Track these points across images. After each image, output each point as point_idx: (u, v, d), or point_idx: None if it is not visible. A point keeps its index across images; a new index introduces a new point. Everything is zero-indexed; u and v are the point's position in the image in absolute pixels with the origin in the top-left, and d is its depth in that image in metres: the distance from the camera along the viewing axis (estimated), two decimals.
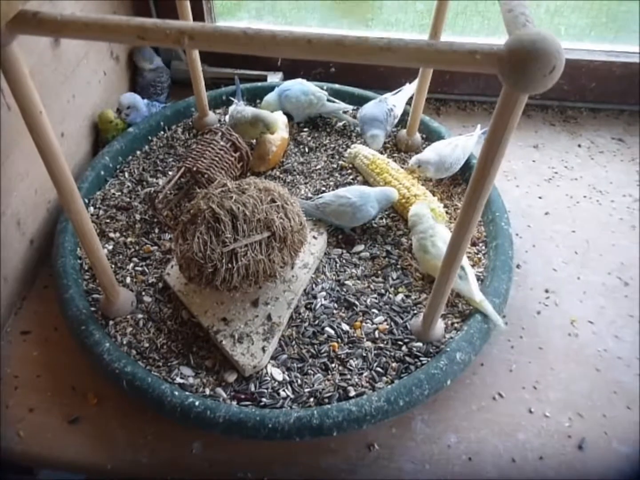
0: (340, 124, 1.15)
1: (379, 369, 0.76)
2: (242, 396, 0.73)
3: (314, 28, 1.27)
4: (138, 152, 1.07)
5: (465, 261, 0.83)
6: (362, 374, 0.76)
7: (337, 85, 1.17)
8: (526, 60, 0.42)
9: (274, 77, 1.23)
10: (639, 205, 1.06)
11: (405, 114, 1.09)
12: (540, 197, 1.08)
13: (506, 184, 1.09)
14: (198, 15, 1.17)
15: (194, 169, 0.92)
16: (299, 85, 1.11)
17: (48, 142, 0.58)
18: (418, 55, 0.44)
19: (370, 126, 1.04)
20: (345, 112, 1.14)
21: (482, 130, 1.03)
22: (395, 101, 1.07)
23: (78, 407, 0.76)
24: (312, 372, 0.76)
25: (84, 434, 0.74)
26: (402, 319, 0.81)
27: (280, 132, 1.04)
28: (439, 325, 0.79)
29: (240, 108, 1.04)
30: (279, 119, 1.05)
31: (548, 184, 1.11)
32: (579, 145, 1.20)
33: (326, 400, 0.72)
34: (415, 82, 1.02)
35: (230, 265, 0.73)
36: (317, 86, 1.13)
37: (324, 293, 0.84)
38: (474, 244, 0.92)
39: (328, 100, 1.12)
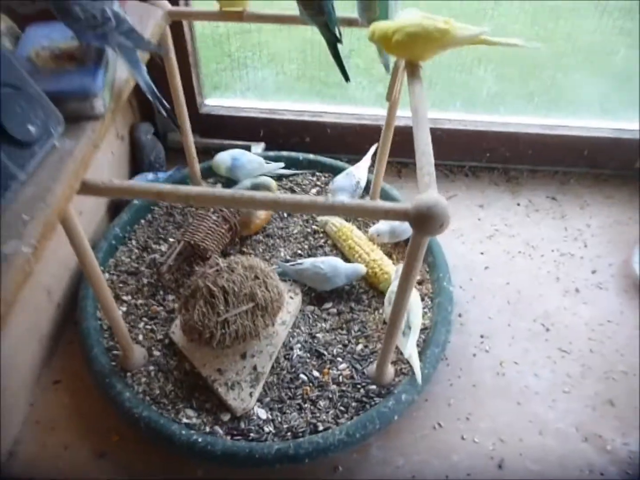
0: (314, 190, 1.35)
1: (341, 408, 0.96)
2: (235, 432, 0.93)
3: (296, 103, 1.47)
4: (142, 221, 1.26)
5: (417, 320, 1.01)
6: (328, 412, 0.95)
7: (311, 156, 1.38)
8: (424, 219, 0.63)
9: (257, 147, 1.42)
10: (563, 259, 1.27)
11: (369, 181, 1.29)
12: (482, 253, 1.28)
13: (454, 241, 1.30)
14: (188, 90, 1.34)
15: (192, 242, 1.12)
16: (245, 156, 1.31)
17: (80, 240, 0.75)
18: (352, 211, 0.65)
19: (338, 194, 1.24)
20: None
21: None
22: (360, 174, 1.27)
23: (105, 444, 0.95)
24: (289, 411, 0.96)
25: (111, 465, 0.93)
26: (361, 365, 1.02)
27: None
28: (390, 370, 0.99)
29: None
30: (273, 185, 1.26)
31: (489, 241, 1.31)
32: (518, 204, 1.40)
33: (300, 434, 0.92)
34: (372, 149, 1.22)
35: (223, 330, 0.93)
36: (293, 156, 1.37)
37: (299, 345, 1.04)
38: (422, 300, 1.12)
39: (267, 162, 1.34)
